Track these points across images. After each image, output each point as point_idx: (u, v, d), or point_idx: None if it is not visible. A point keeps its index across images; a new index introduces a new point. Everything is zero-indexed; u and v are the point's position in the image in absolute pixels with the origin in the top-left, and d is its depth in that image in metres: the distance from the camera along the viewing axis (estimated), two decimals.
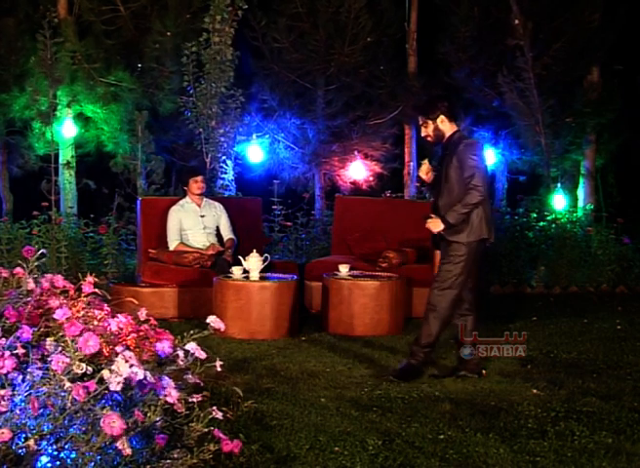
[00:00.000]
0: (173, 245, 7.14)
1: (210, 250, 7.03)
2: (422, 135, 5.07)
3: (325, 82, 9.80)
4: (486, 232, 4.90)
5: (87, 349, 2.55)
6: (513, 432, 3.82)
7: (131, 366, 2.55)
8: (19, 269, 3.09)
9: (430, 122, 4.99)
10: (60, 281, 3.17)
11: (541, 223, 9.02)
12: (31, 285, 3.00)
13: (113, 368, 2.53)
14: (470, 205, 4.80)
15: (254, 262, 6.29)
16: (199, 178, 7.30)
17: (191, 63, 8.89)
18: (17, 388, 2.55)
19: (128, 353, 2.59)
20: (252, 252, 6.36)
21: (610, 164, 11.15)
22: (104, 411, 2.50)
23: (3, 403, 2.46)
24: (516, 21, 9.28)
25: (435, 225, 4.88)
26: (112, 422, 2.42)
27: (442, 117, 4.98)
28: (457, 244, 4.87)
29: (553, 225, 8.98)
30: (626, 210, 10.37)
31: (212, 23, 8.81)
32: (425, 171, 5.06)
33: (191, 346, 2.95)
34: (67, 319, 2.78)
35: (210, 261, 6.88)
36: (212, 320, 3.07)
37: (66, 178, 9.49)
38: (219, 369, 3.09)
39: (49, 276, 3.18)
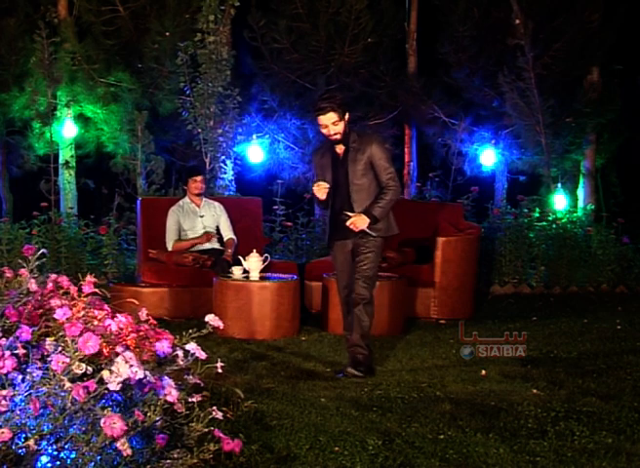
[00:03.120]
0: (170, 245, 7.15)
1: (204, 237, 7.02)
2: (332, 133, 4.90)
3: (325, 82, 9.79)
4: (396, 228, 5.11)
5: (87, 350, 2.55)
6: (513, 432, 3.81)
7: (131, 366, 2.54)
8: (24, 270, 3.08)
9: (344, 120, 4.92)
10: (65, 282, 3.16)
11: (542, 223, 9.02)
12: (34, 287, 3.00)
13: (113, 368, 2.53)
14: (393, 201, 4.98)
15: (254, 262, 6.29)
16: (198, 178, 7.30)
17: (187, 63, 8.89)
18: (17, 388, 2.55)
19: (128, 354, 2.58)
20: (252, 252, 6.36)
21: (612, 163, 11.15)
22: (105, 412, 2.50)
23: (3, 403, 2.45)
24: (517, 21, 9.29)
25: (362, 221, 4.92)
26: (113, 423, 2.42)
27: (347, 114, 4.98)
28: (375, 238, 4.98)
29: (554, 225, 8.98)
30: (630, 209, 10.39)
31: (205, 23, 8.81)
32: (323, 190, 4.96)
33: (191, 346, 2.95)
34: (68, 319, 2.78)
35: (210, 261, 6.88)
36: (210, 318, 3.08)
37: (66, 179, 9.49)
38: (219, 370, 3.09)
39: (53, 276, 3.18)
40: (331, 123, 4.87)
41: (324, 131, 4.95)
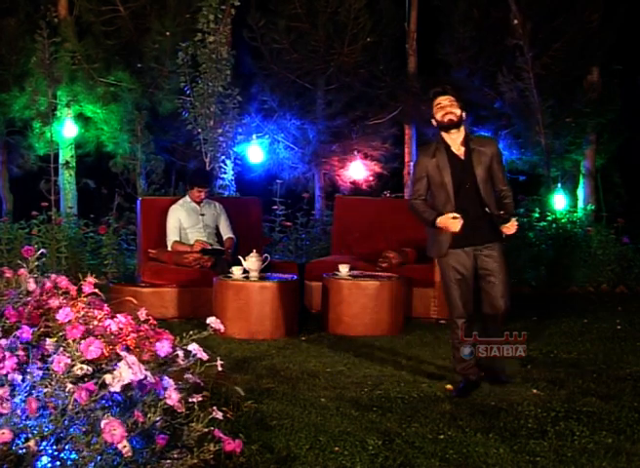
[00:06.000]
0: (170, 244, 7.14)
1: (195, 246, 7.01)
2: (450, 111, 4.63)
3: (325, 82, 9.79)
4: None
5: (89, 354, 2.55)
6: (513, 432, 3.82)
7: (134, 373, 2.54)
8: (23, 270, 3.08)
9: (461, 108, 4.68)
10: (63, 282, 3.16)
11: (542, 223, 9.02)
12: (32, 285, 3.00)
13: (116, 373, 2.52)
14: None
15: (253, 262, 6.29)
16: (204, 190, 7.29)
17: (187, 63, 8.89)
18: (17, 388, 2.54)
19: (131, 358, 2.58)
20: (252, 252, 6.36)
21: (612, 164, 11.14)
22: (105, 414, 2.50)
23: (4, 404, 2.45)
24: (515, 21, 9.28)
25: (514, 226, 4.68)
26: (113, 430, 2.41)
27: (464, 113, 4.73)
28: (503, 243, 4.87)
29: (554, 225, 8.98)
30: (632, 209, 10.39)
31: (206, 23, 8.81)
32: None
33: (193, 347, 2.95)
34: (69, 321, 2.78)
35: (210, 262, 6.88)
36: (212, 321, 3.07)
37: (66, 178, 9.49)
38: (219, 368, 3.09)
39: (53, 277, 3.18)
40: (449, 104, 4.64)
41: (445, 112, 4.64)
